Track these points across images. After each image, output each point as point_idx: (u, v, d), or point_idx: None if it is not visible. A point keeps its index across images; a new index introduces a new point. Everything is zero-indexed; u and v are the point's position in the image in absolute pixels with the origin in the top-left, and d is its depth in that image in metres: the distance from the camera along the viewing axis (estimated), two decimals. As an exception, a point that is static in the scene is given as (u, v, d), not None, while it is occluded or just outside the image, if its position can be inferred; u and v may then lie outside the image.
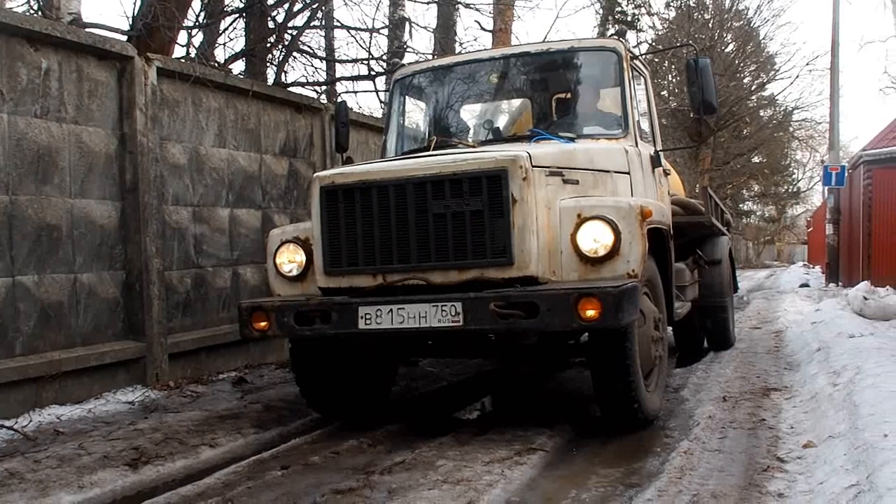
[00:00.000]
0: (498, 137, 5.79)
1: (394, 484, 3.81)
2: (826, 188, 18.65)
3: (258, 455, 4.56)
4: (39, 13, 7.04)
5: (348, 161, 6.07)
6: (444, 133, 5.90)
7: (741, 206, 41.63)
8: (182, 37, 8.34)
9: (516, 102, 6.36)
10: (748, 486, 3.63)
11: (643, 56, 6.49)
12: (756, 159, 35.96)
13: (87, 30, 6.61)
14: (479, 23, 14.54)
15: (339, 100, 6.85)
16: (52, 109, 5.65)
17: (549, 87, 6.01)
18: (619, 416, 4.74)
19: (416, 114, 6.45)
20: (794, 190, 44.54)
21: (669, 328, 5.94)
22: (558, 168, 4.64)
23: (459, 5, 12.67)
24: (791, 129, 34.49)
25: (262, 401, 5.82)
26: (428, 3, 11.98)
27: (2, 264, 5.26)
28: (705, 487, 3.61)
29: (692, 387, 6.12)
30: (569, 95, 5.89)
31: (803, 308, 12.31)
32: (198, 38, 8.95)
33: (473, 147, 5.20)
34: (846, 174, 17.47)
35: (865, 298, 10.03)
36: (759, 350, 8.07)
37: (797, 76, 43.11)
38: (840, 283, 17.46)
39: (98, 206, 6.01)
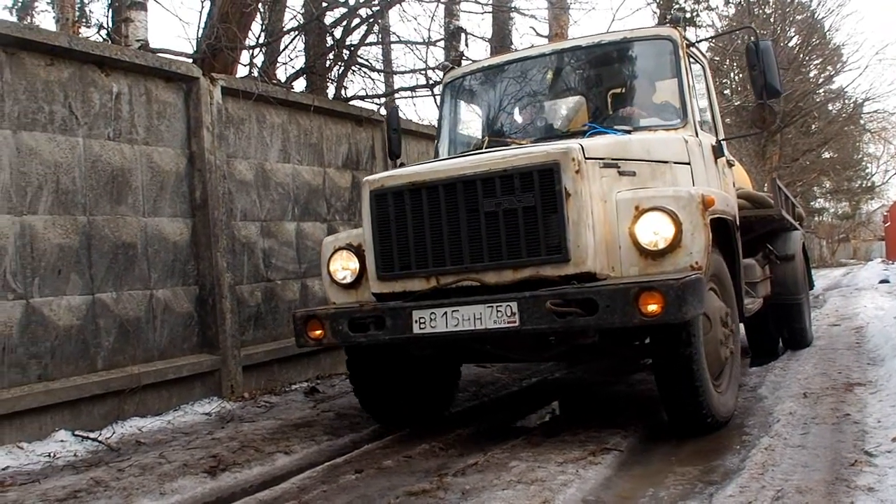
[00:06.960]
0: (552, 134, 5.61)
1: (467, 485, 3.80)
2: (903, 179, 17.92)
3: (332, 461, 4.60)
4: (108, 40, 7.32)
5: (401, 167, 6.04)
6: (496, 134, 5.83)
7: (813, 203, 40.40)
8: (244, 57, 8.57)
9: (570, 99, 6.24)
10: (835, 481, 3.49)
11: (700, 43, 6.22)
12: (826, 155, 34.87)
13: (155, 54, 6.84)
14: (534, 29, 14.43)
15: (390, 107, 6.77)
16: (123, 131, 5.86)
17: (604, 81, 5.86)
18: (686, 421, 4.54)
19: (469, 116, 6.38)
20: (869, 185, 43.00)
21: (742, 325, 5.72)
22: (613, 160, 4.51)
23: (514, 12, 12.68)
24: (862, 121, 33.35)
25: (335, 409, 5.88)
26: (483, 12, 12.01)
27: (82, 282, 5.47)
28: (790, 482, 3.48)
29: (770, 384, 5.93)
30: (624, 88, 5.75)
31: (884, 304, 11.81)
32: (259, 57, 9.17)
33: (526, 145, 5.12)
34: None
35: (952, 290, 9.58)
36: (839, 346, 7.77)
37: (866, 66, 41.99)
38: (923, 278, 16.72)
39: (170, 223, 6.20)
